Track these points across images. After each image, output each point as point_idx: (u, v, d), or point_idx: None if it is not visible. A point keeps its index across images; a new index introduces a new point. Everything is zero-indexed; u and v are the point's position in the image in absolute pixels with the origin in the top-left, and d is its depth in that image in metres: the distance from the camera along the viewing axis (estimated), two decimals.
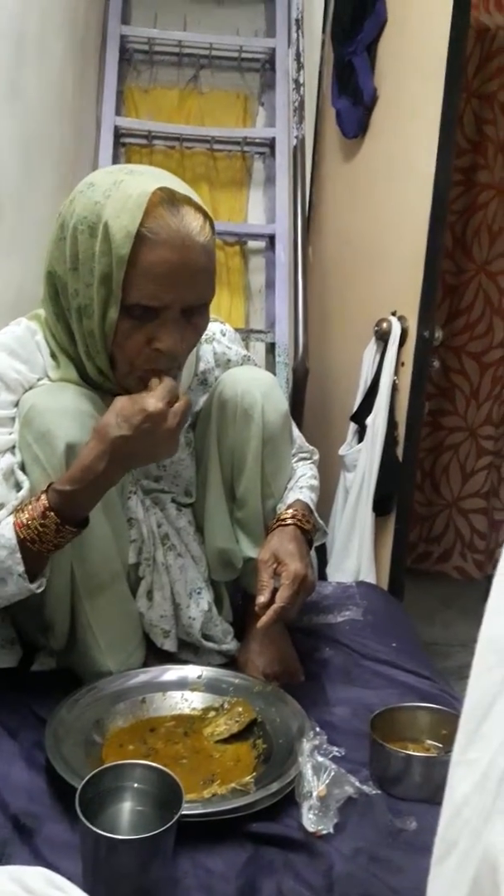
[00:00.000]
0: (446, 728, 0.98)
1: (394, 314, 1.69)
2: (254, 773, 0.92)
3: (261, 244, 2.32)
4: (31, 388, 1.05)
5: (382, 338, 1.69)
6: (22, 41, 1.59)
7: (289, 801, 0.87)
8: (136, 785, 0.80)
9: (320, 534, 1.22)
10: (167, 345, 0.98)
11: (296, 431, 1.27)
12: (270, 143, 2.31)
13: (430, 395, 2.26)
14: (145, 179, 0.96)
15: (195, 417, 1.21)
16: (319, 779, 0.87)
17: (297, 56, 2.25)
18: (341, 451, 1.83)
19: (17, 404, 1.03)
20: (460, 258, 2.27)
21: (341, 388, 2.00)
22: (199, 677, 1.09)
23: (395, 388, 1.68)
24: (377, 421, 1.68)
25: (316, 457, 1.30)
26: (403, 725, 1.00)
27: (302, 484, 1.21)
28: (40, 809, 0.86)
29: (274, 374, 1.97)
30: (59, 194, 1.86)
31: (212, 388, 1.19)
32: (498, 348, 2.32)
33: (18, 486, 1.00)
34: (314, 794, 0.86)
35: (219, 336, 1.24)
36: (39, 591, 0.98)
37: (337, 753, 0.92)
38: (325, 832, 0.83)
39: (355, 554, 1.74)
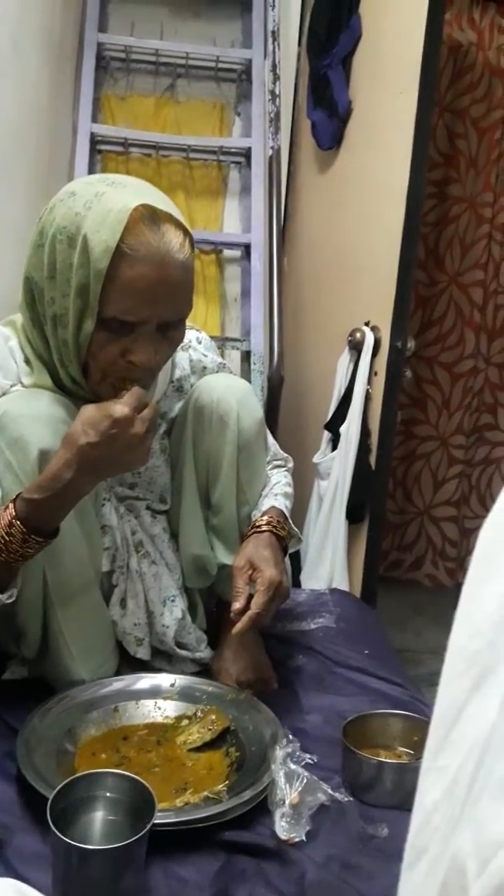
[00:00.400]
0: (418, 734, 0.99)
1: (367, 324, 1.71)
2: (227, 782, 0.92)
3: (236, 253, 2.33)
4: (3, 394, 1.04)
5: (356, 347, 1.71)
6: None
7: (261, 809, 0.88)
8: (108, 794, 0.80)
9: (295, 541, 1.23)
10: (142, 359, 0.98)
11: (270, 439, 1.28)
12: (246, 153, 2.32)
13: (402, 404, 2.29)
14: (127, 193, 0.96)
15: (170, 424, 1.21)
16: (292, 786, 0.87)
17: (274, 67, 2.26)
18: (315, 459, 1.84)
19: None
20: (433, 270, 2.30)
21: (315, 397, 2.01)
22: (173, 685, 1.08)
23: (368, 398, 1.70)
24: (350, 429, 1.70)
25: (290, 464, 1.31)
26: (375, 732, 1.01)
27: (277, 491, 1.22)
28: (11, 820, 0.85)
29: (249, 382, 1.97)
30: (35, 200, 1.85)
31: (187, 395, 1.20)
32: (469, 359, 2.35)
33: None
34: (287, 801, 0.86)
35: (194, 343, 1.24)
36: (10, 601, 0.97)
37: (310, 761, 0.92)
38: (297, 840, 0.84)
39: (329, 561, 1.75)
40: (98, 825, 0.79)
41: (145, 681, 1.09)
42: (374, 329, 1.69)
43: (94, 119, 2.25)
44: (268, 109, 2.26)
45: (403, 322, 1.63)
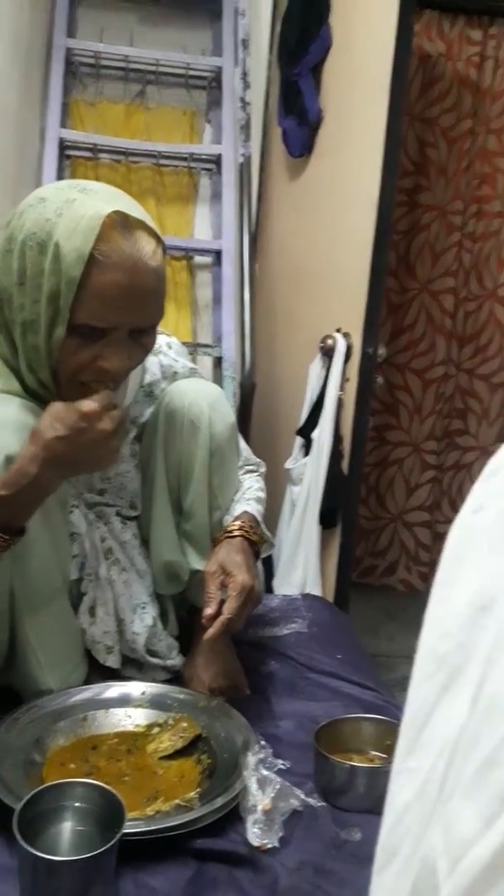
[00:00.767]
0: (390, 738, 0.99)
1: (339, 331, 1.71)
2: (198, 789, 0.91)
3: (207, 259, 2.33)
4: None
5: (328, 354, 1.72)
6: None
7: (234, 816, 0.87)
8: (77, 804, 0.79)
9: (267, 546, 1.22)
10: (113, 365, 0.98)
11: (242, 444, 1.27)
12: (217, 160, 2.32)
13: (375, 410, 2.31)
14: (99, 200, 0.96)
15: (141, 429, 1.20)
16: (265, 792, 0.87)
17: (244, 75, 2.27)
18: (287, 464, 1.84)
19: None
20: (404, 277, 2.33)
21: (287, 403, 2.02)
22: (143, 694, 1.07)
23: (340, 404, 1.70)
24: (323, 435, 1.70)
25: (263, 469, 1.31)
26: (348, 737, 1.00)
27: (249, 496, 1.21)
28: None
29: (221, 387, 1.97)
30: (2, 204, 1.83)
31: (158, 400, 1.19)
32: (440, 365, 2.37)
33: None
34: (259, 807, 0.85)
35: (165, 349, 1.24)
36: None
37: (282, 766, 0.92)
38: (270, 846, 0.83)
39: (301, 566, 1.75)
40: (67, 836, 0.78)
41: (115, 689, 1.08)
42: (345, 335, 1.70)
43: (64, 124, 2.24)
44: (238, 117, 2.26)
45: (375, 328, 1.64)
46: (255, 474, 1.28)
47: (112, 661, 1.11)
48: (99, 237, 0.93)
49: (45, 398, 1.04)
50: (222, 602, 1.03)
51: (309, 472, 1.74)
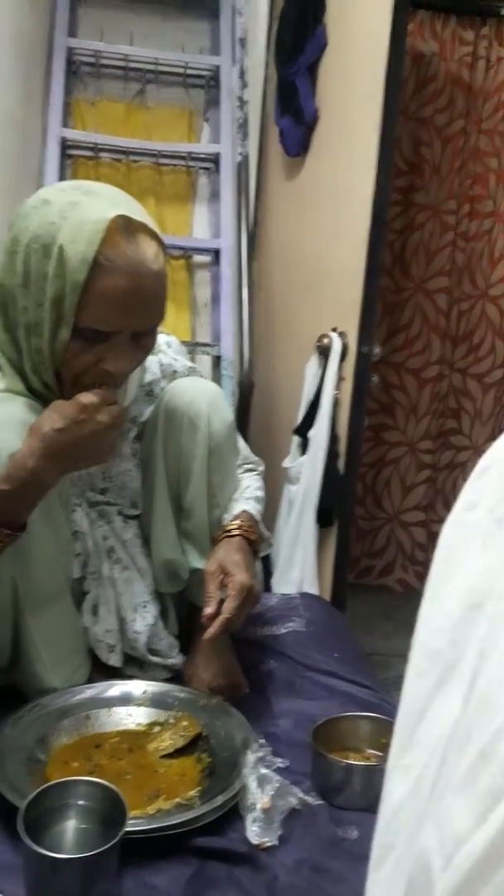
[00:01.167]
0: (386, 737, 0.99)
1: (335, 330, 1.72)
2: (199, 788, 0.92)
3: (206, 258, 2.33)
4: None
5: (324, 353, 1.73)
6: None
7: (234, 815, 0.88)
8: (80, 802, 0.80)
9: (265, 545, 1.23)
10: (116, 367, 0.99)
11: (241, 443, 1.28)
12: (215, 159, 2.33)
13: (371, 410, 2.32)
14: (102, 203, 0.97)
15: (141, 428, 1.21)
16: (264, 791, 0.88)
17: (242, 74, 2.28)
18: (285, 463, 1.85)
19: None
20: (399, 277, 2.34)
21: (285, 402, 2.03)
22: (144, 692, 1.08)
23: (336, 403, 1.71)
24: (319, 434, 1.71)
25: (261, 468, 1.32)
26: (345, 735, 1.02)
27: (248, 495, 1.22)
28: None
29: (220, 386, 1.98)
30: (4, 206, 1.84)
31: (157, 399, 1.20)
32: (435, 365, 2.38)
33: None
34: (258, 806, 0.86)
35: (164, 348, 1.25)
36: None
37: (281, 765, 0.93)
38: (269, 844, 0.84)
39: (299, 565, 1.76)
40: (70, 834, 0.79)
41: (117, 688, 1.09)
42: (341, 335, 1.70)
43: (65, 124, 2.25)
44: (236, 116, 2.27)
45: (370, 328, 1.65)
46: (254, 473, 1.29)
47: (114, 660, 1.12)
48: (103, 242, 0.94)
49: (48, 399, 1.05)
50: (221, 601, 1.04)
51: (306, 471, 1.74)
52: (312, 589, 1.71)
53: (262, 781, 0.88)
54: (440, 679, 0.44)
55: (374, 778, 0.93)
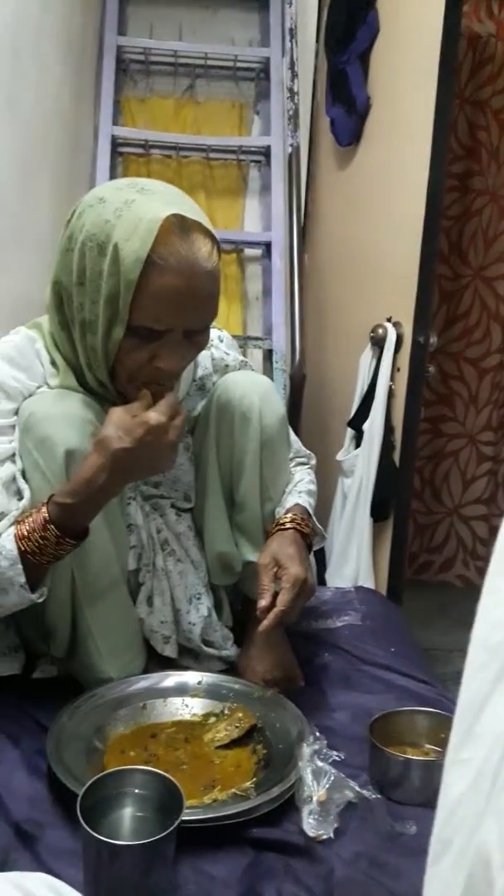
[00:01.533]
0: (444, 732, 0.98)
1: (389, 320, 1.70)
2: (254, 779, 0.92)
3: (257, 252, 2.33)
4: (30, 395, 1.05)
5: (378, 344, 1.71)
6: (18, 53, 1.61)
7: (289, 806, 0.88)
8: (137, 791, 0.81)
9: (319, 538, 1.22)
10: (169, 365, 1.00)
11: (293, 436, 1.28)
12: (266, 152, 2.32)
13: (429, 401, 2.28)
14: (157, 202, 0.97)
15: (194, 422, 1.22)
16: (319, 783, 0.87)
17: (292, 65, 2.26)
18: (339, 456, 1.84)
19: (16, 412, 1.04)
20: (456, 264, 2.29)
21: (338, 394, 2.01)
22: (200, 683, 1.09)
23: (391, 394, 1.69)
24: (374, 426, 1.69)
25: (313, 462, 1.31)
26: (402, 730, 1.00)
27: (300, 489, 1.22)
28: (42, 816, 0.86)
29: (272, 380, 1.98)
30: (57, 204, 1.87)
31: (210, 393, 1.20)
32: (496, 353, 2.33)
33: (20, 495, 1.01)
34: (314, 798, 0.86)
35: (216, 342, 1.25)
36: (40, 600, 0.99)
37: (337, 758, 0.92)
38: (325, 837, 0.84)
39: (354, 559, 1.74)
40: (127, 821, 0.80)
41: (172, 678, 1.10)
42: (396, 325, 1.68)
43: (115, 122, 2.27)
44: (286, 107, 2.26)
45: (426, 317, 1.62)
46: (306, 467, 1.28)
47: (169, 651, 1.13)
48: (157, 240, 0.94)
49: (103, 396, 1.06)
50: (276, 594, 1.04)
51: (360, 464, 1.73)
52: (368, 583, 1.69)
53: (317, 774, 0.87)
54: (500, 672, 0.42)
55: (432, 773, 0.91)
